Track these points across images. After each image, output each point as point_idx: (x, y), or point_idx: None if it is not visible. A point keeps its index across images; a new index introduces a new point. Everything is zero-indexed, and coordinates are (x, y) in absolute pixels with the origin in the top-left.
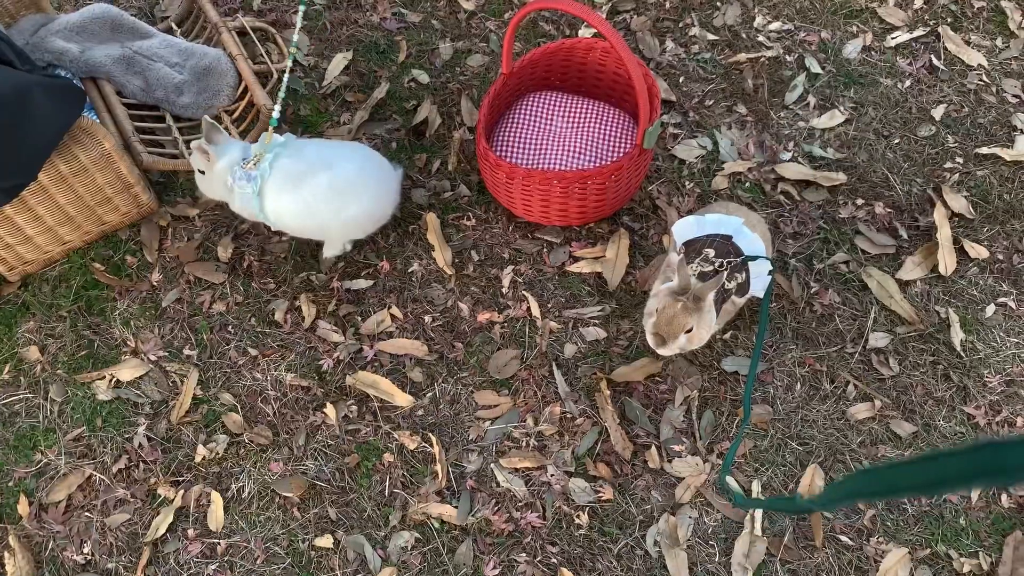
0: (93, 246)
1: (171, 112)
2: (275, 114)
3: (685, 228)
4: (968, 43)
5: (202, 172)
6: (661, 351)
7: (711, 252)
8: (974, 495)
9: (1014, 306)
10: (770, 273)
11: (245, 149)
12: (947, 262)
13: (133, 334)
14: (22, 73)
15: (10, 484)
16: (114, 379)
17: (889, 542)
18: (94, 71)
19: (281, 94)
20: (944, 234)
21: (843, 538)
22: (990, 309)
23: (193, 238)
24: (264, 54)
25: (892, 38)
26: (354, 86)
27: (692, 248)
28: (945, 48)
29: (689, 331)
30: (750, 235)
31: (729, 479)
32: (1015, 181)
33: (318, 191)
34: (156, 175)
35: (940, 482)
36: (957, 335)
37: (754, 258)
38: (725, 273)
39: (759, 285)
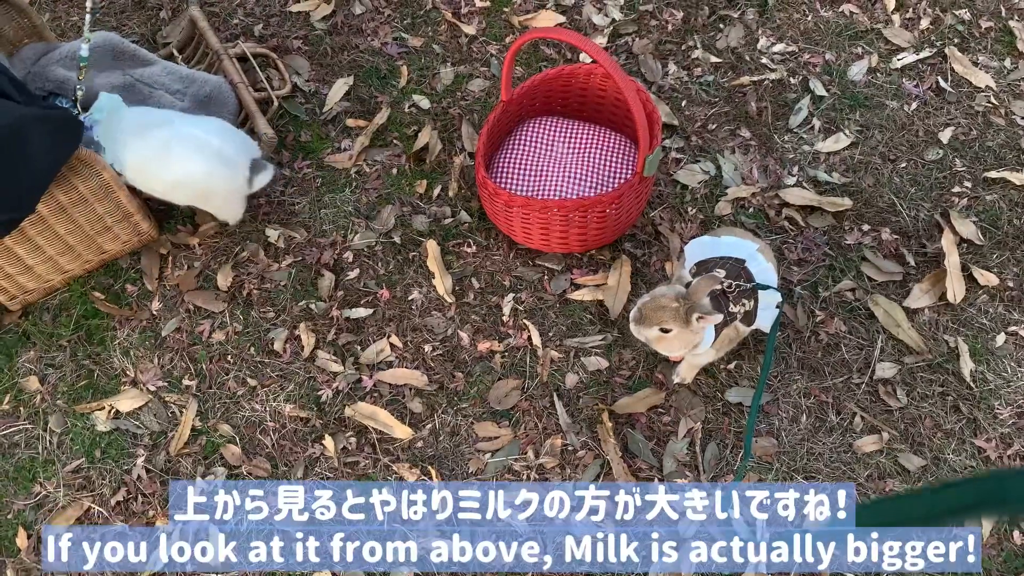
0: (93, 275)
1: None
2: (83, 52)
3: (699, 247)
4: (976, 64)
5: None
6: (632, 327)
7: (722, 272)
8: (986, 530)
9: None
10: (779, 306)
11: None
12: (956, 289)
13: (133, 364)
14: (19, 107)
15: (9, 516)
16: (113, 410)
17: None
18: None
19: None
20: (952, 261)
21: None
22: (1000, 338)
23: (193, 266)
24: (265, 80)
25: (898, 59)
26: (355, 112)
27: (703, 267)
28: (952, 69)
29: (665, 331)
30: (764, 264)
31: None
32: None
33: (153, 144)
34: (156, 203)
35: (944, 513)
36: (967, 365)
37: (765, 287)
38: (732, 305)
39: (766, 318)
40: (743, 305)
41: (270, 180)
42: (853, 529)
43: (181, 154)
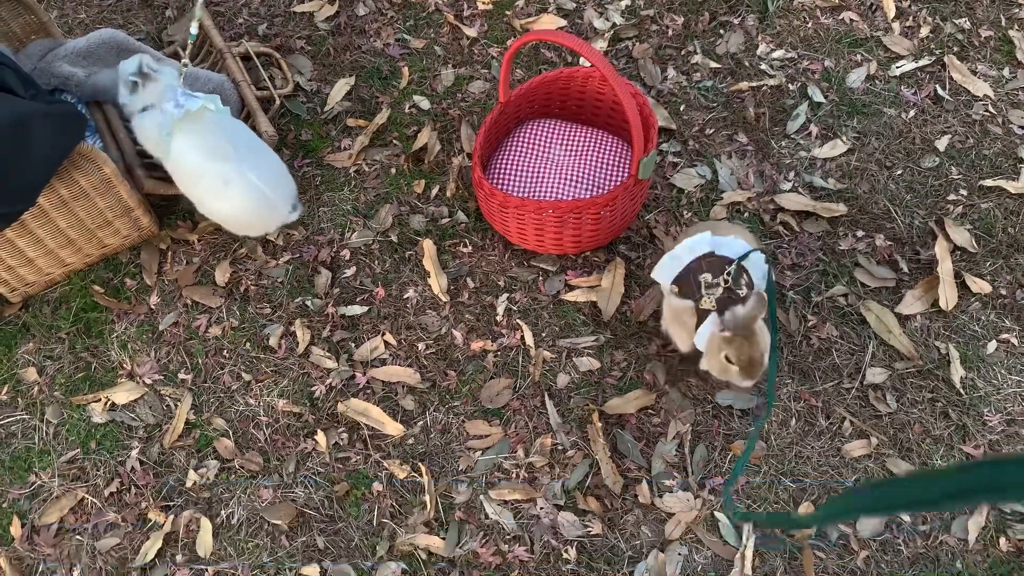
0: (94, 268)
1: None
2: (193, 28)
3: (667, 270)
4: (974, 73)
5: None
6: (751, 381)
7: (708, 276)
8: (972, 537)
9: (1016, 343)
10: (767, 263)
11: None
12: (948, 297)
13: (130, 357)
14: (22, 101)
15: (4, 506)
16: (109, 402)
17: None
18: (99, 95)
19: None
20: (945, 268)
21: None
22: (992, 345)
23: (192, 262)
24: (267, 79)
25: (897, 67)
26: (355, 111)
27: (685, 282)
28: (951, 78)
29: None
30: (726, 238)
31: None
32: (1020, 214)
33: (212, 173)
34: (157, 199)
35: (937, 499)
36: (957, 372)
37: (746, 255)
38: (743, 291)
39: (759, 276)
40: (742, 286)
41: (297, 217)
42: (844, 514)
43: (235, 195)
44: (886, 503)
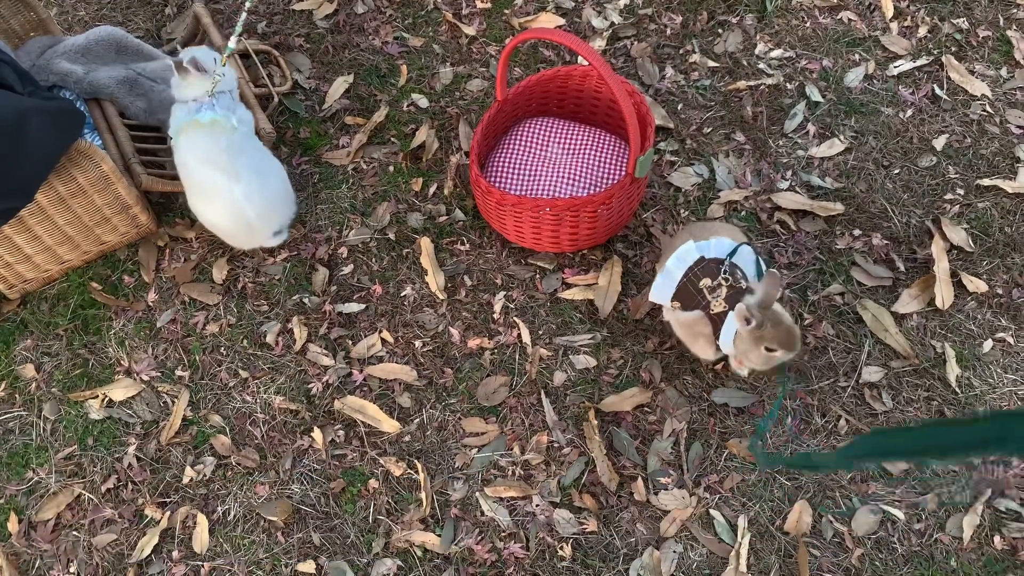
0: (92, 265)
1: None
2: (232, 41)
3: (663, 289)
4: (972, 73)
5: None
6: (782, 354)
7: (707, 280)
8: (966, 535)
9: (1012, 341)
10: (755, 252)
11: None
12: (944, 295)
13: (127, 354)
14: (20, 97)
15: (1, 502)
16: (107, 398)
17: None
18: (98, 92)
19: (238, 28)
20: (942, 267)
21: None
22: (987, 344)
23: (190, 259)
24: (266, 77)
25: (895, 67)
26: (354, 109)
27: (685, 294)
28: (948, 77)
29: (771, 351)
30: (709, 242)
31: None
32: (1017, 214)
33: (206, 176)
34: (155, 196)
35: (950, 448)
36: (953, 371)
37: (734, 251)
38: (744, 283)
39: (751, 270)
40: (742, 281)
41: (279, 242)
42: (862, 456)
43: (219, 206)
44: (901, 449)
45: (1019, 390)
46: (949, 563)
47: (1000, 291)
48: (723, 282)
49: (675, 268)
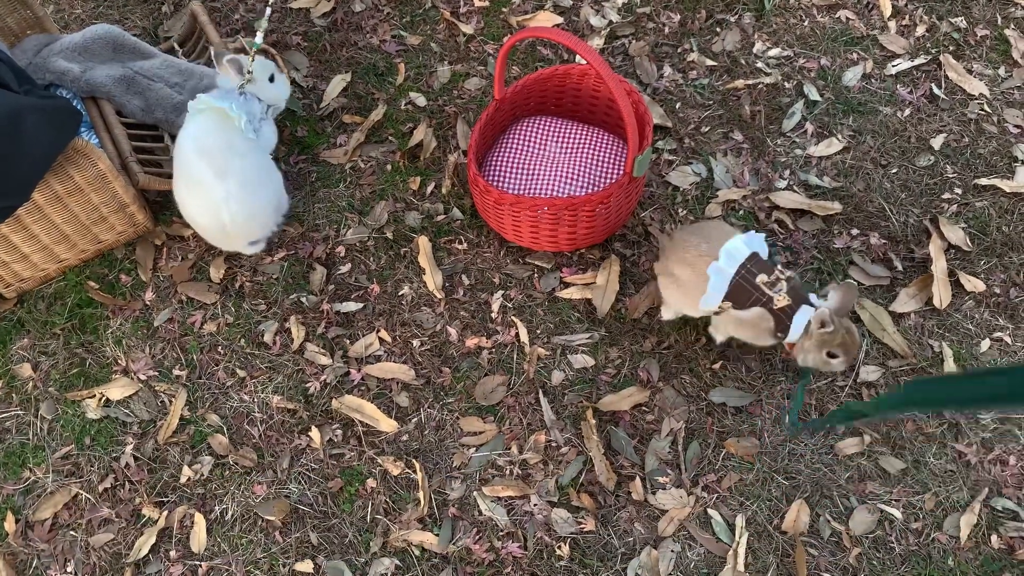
0: (89, 264)
1: (170, 132)
2: (258, 38)
3: (718, 289)
4: (970, 72)
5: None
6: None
7: (764, 276)
8: (963, 534)
9: (1010, 341)
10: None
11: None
12: (942, 295)
13: (124, 353)
14: (16, 96)
15: None
16: (104, 398)
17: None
18: (95, 91)
19: (264, 23)
20: (940, 266)
21: None
22: (985, 344)
23: (187, 258)
24: None
25: (893, 66)
26: (351, 108)
27: (740, 292)
28: (946, 77)
29: (832, 356)
30: (751, 235)
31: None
32: (1014, 213)
33: (195, 170)
34: (153, 194)
35: (988, 398)
36: (950, 370)
37: (773, 244)
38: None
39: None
40: (783, 273)
41: (255, 252)
42: (899, 406)
43: (200, 203)
44: (938, 399)
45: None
46: (947, 562)
47: (998, 290)
48: (780, 275)
49: (728, 267)
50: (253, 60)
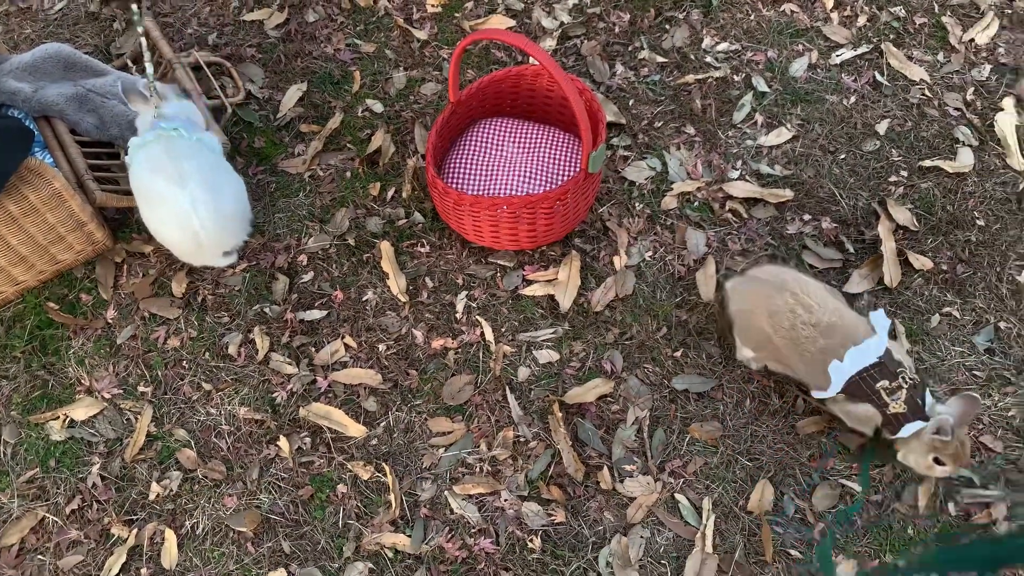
0: (48, 285)
1: (126, 149)
2: (149, 69)
3: (837, 385)
4: (911, 59)
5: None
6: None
7: (885, 383)
8: (921, 503)
9: (958, 315)
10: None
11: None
12: (892, 274)
13: (87, 372)
14: None
15: None
16: (68, 419)
17: (838, 554)
18: (47, 110)
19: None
20: (889, 247)
21: (793, 552)
22: (935, 319)
23: (148, 274)
24: (218, 88)
25: (837, 56)
26: (308, 117)
27: (857, 389)
28: (888, 64)
29: (939, 463)
30: (882, 340)
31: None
32: (957, 192)
33: (155, 186)
34: (111, 212)
35: (1011, 559)
36: (903, 346)
37: (894, 334)
38: (917, 378)
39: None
40: (904, 383)
41: (228, 263)
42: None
43: (166, 216)
44: (963, 564)
45: (966, 361)
46: (906, 531)
47: (945, 267)
48: (903, 384)
49: (851, 367)
50: (152, 90)
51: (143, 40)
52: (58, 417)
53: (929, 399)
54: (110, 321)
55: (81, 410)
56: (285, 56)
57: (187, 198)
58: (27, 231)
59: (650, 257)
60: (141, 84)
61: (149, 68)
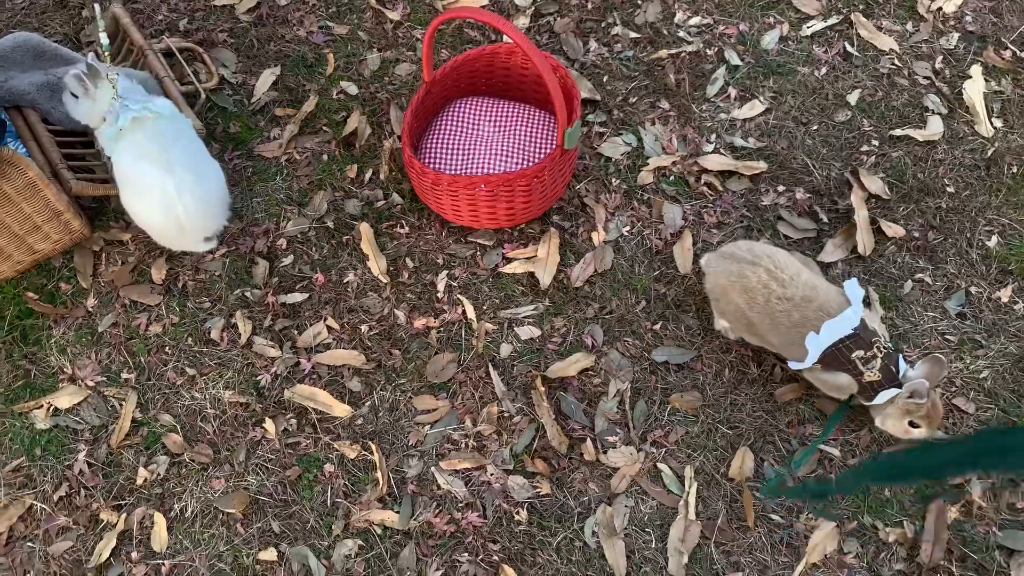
0: (26, 275)
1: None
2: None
3: (812, 358)
4: (880, 29)
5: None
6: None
7: (860, 352)
8: None
9: (930, 281)
10: (861, 287)
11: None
12: (866, 242)
13: (70, 361)
14: None
15: None
16: (52, 407)
17: (818, 518)
18: (18, 99)
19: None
20: (862, 215)
21: (774, 517)
22: (908, 286)
23: (127, 261)
24: (191, 74)
25: (808, 27)
26: (283, 101)
27: (833, 360)
28: (858, 35)
29: (915, 426)
30: (857, 311)
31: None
32: (928, 160)
33: (139, 172)
34: (87, 200)
35: (945, 466)
36: (878, 312)
37: (868, 303)
38: (890, 345)
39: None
40: (872, 370)
41: (209, 248)
42: (861, 481)
43: (149, 202)
44: (898, 472)
45: (938, 326)
46: (883, 494)
47: (916, 234)
48: (878, 353)
49: (827, 338)
50: (105, 59)
51: (98, 13)
52: (42, 406)
53: (903, 366)
54: (90, 309)
55: (65, 398)
56: (257, 40)
57: (173, 183)
58: (3, 221)
59: (628, 232)
60: (82, 67)
61: (104, 39)
